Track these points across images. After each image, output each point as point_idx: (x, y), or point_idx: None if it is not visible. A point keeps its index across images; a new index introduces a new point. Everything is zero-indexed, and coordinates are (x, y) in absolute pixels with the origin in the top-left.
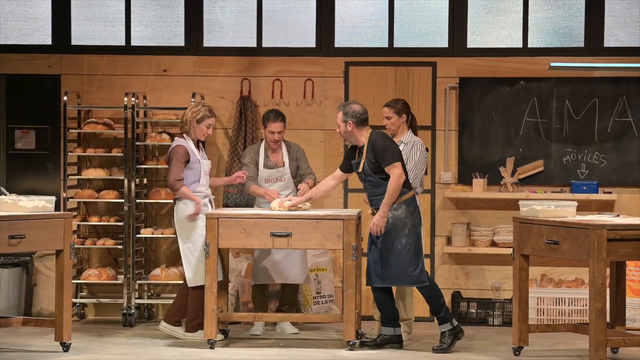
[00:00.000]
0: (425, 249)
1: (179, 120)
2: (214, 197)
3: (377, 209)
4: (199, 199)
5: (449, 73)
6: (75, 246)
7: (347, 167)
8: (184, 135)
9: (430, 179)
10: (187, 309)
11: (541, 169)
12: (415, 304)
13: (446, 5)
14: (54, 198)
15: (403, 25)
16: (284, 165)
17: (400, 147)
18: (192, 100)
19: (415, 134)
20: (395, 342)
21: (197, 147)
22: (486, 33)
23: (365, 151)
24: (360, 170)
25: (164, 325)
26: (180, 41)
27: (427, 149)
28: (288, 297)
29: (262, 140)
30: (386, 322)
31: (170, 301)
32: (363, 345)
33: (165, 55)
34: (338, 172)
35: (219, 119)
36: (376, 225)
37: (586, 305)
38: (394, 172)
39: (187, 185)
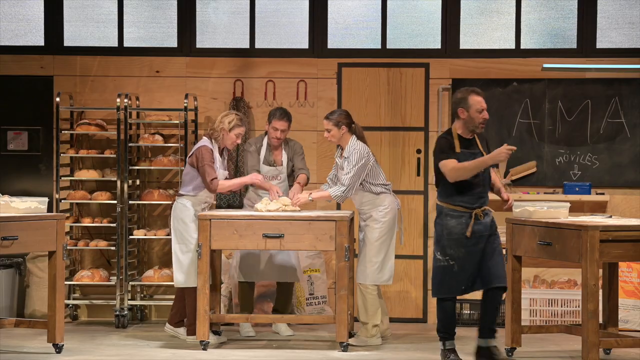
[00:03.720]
0: (418, 251)
1: (210, 129)
2: (214, 202)
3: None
4: (247, 179)
5: (442, 74)
6: (68, 247)
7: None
8: (212, 139)
9: (423, 181)
10: (187, 311)
11: (534, 170)
12: (407, 303)
13: (439, 7)
14: (46, 199)
15: (396, 27)
16: (282, 165)
17: (345, 164)
18: (185, 101)
19: (364, 141)
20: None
21: (221, 155)
22: (479, 34)
23: (480, 144)
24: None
25: (168, 327)
26: (172, 42)
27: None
28: (282, 298)
29: (265, 133)
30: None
31: (163, 303)
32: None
33: (157, 57)
34: None
35: (211, 119)
36: None
37: (579, 306)
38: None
39: (195, 188)
